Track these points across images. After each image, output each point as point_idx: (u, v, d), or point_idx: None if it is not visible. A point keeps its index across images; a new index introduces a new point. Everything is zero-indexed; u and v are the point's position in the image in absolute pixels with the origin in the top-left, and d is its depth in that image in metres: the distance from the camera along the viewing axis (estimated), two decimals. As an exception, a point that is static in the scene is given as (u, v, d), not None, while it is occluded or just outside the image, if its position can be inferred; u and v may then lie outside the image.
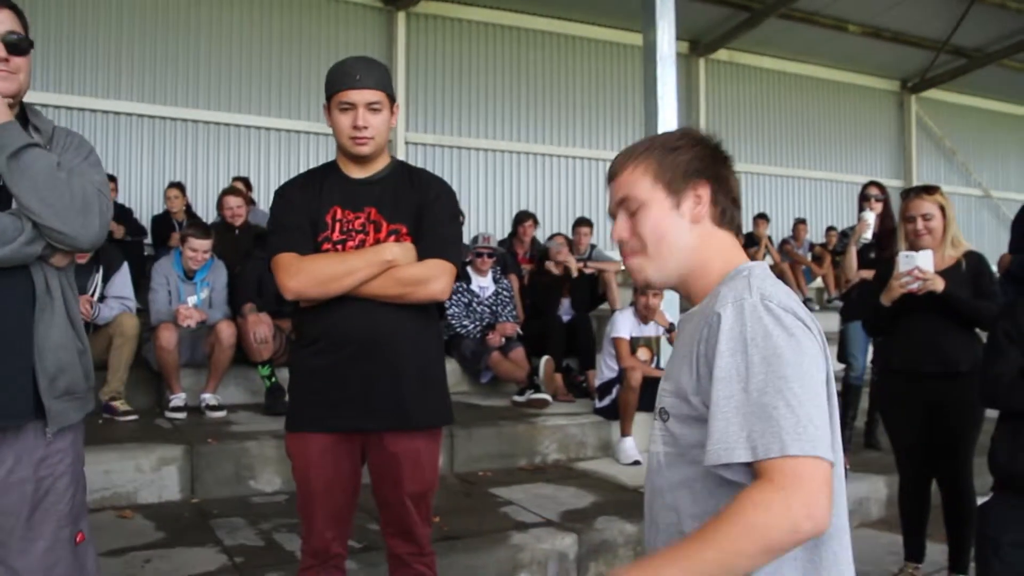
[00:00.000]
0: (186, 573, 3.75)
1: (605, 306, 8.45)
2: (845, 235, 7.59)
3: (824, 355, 1.49)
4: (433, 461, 2.75)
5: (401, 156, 9.57)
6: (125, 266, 5.97)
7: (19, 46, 2.18)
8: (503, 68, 11.59)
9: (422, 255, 2.59)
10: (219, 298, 6.18)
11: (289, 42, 10.31)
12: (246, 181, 9.00)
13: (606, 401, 6.17)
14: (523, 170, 11.74)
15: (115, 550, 3.91)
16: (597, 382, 6.38)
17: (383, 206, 2.63)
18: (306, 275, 2.53)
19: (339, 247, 2.60)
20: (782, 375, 1.37)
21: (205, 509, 4.65)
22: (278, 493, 4.95)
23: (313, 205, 2.63)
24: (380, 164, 2.70)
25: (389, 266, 2.53)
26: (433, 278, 2.58)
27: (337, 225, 2.61)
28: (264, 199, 9.21)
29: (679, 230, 1.61)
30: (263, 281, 6.14)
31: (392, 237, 2.60)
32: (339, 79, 2.61)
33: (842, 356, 6.46)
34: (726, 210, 1.64)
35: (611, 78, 12.21)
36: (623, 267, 6.84)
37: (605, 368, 6.33)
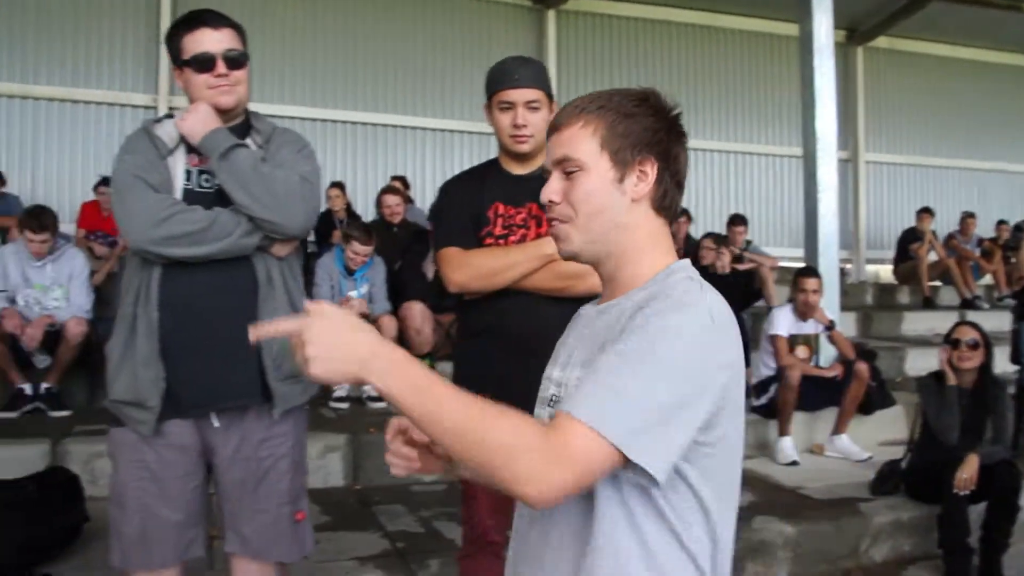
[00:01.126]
0: (352, 555, 3.92)
1: (760, 303, 8.28)
2: (1020, 229, 7.19)
3: (739, 384, 1.41)
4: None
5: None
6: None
7: (238, 61, 2.37)
8: (653, 63, 11.51)
9: None
10: (379, 293, 6.38)
11: (442, 44, 10.56)
12: (404, 180, 9.25)
13: (763, 400, 6.06)
14: (676, 166, 11.58)
15: (286, 531, 4.10)
16: (754, 380, 6.27)
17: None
18: (470, 269, 2.61)
19: (501, 242, 2.66)
20: (658, 358, 1.27)
21: (367, 496, 4.83)
22: (437, 483, 5.07)
23: (476, 201, 2.70)
24: (541, 160, 2.73)
25: (550, 260, 2.56)
26: (593, 272, 2.59)
27: (499, 220, 2.67)
28: (420, 197, 9.46)
29: (617, 206, 1.45)
30: (422, 276, 6.33)
31: (553, 232, 2.64)
32: (498, 79, 2.67)
33: (1015, 357, 6.10)
34: (668, 193, 1.50)
35: (764, 70, 11.93)
36: (779, 263, 6.67)
37: (762, 366, 6.22)
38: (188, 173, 2.39)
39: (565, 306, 2.63)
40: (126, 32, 9.47)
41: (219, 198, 2.36)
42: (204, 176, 2.39)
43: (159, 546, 2.37)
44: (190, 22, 2.37)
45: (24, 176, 9.06)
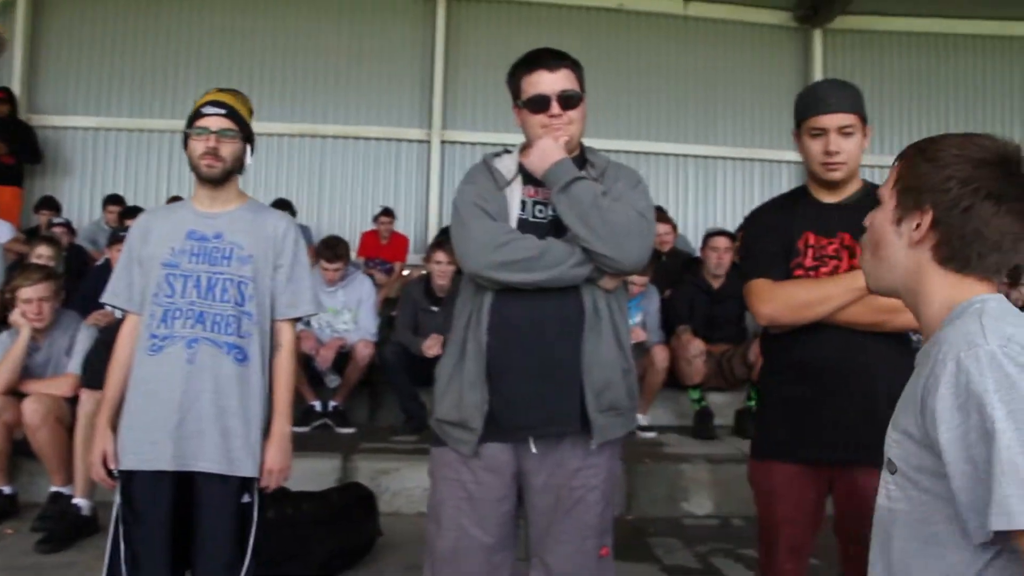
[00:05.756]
0: (630, 588, 3.88)
1: None
2: None
3: None
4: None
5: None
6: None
7: (572, 100, 2.45)
8: (930, 78, 10.70)
9: None
10: (652, 322, 6.36)
11: (703, 68, 10.38)
12: (661, 210, 9.17)
13: None
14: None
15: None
16: None
17: (856, 231, 2.52)
18: (780, 301, 2.52)
19: (812, 273, 2.55)
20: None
21: (640, 526, 4.79)
22: (710, 517, 4.98)
23: (785, 231, 2.61)
24: (852, 188, 2.61)
25: (865, 293, 2.43)
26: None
27: (810, 251, 2.57)
28: (683, 225, 9.33)
29: (895, 246, 1.47)
30: (694, 306, 6.25)
31: (867, 263, 2.50)
32: (810, 104, 2.57)
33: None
34: (960, 252, 1.40)
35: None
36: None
37: None
38: (523, 203, 2.47)
39: (879, 341, 2.51)
40: (403, 73, 10.04)
41: (552, 228, 2.42)
42: (538, 207, 2.46)
43: (468, 565, 2.42)
44: (528, 64, 2.45)
45: (312, 207, 9.80)
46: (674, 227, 7.89)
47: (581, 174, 2.39)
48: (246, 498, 2.73)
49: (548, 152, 2.40)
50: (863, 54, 10.66)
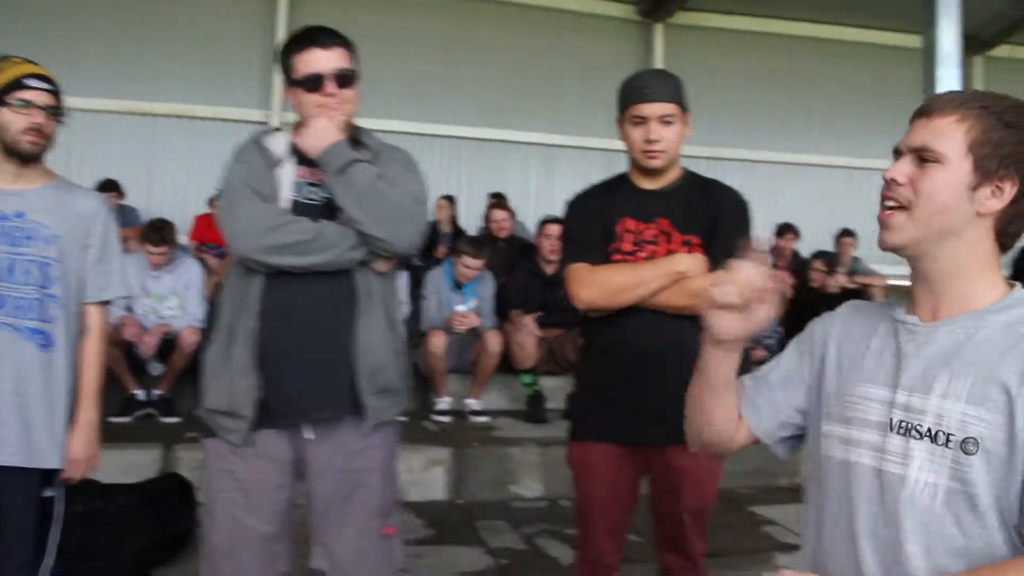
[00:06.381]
0: (455, 570, 3.89)
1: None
2: None
3: None
4: (715, 476, 2.69)
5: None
6: (404, 274, 6.35)
7: (348, 79, 2.38)
8: (762, 77, 11.21)
9: (713, 266, 2.53)
10: (487, 307, 6.38)
11: (547, 58, 10.49)
12: (501, 196, 9.24)
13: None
14: (782, 181, 11.30)
15: (391, 544, 4.11)
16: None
17: (674, 217, 2.60)
18: (598, 285, 2.54)
19: (630, 258, 2.59)
20: None
21: (469, 510, 4.82)
22: (539, 499, 5.05)
23: (605, 216, 2.64)
24: (672, 176, 2.67)
25: (680, 277, 2.50)
26: None
27: (628, 236, 2.60)
28: (522, 212, 9.42)
29: (961, 213, 1.37)
30: (528, 291, 6.32)
31: (684, 248, 2.57)
32: (631, 93, 2.61)
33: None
34: (1016, 220, 1.39)
35: (877, 83, 11.52)
36: (889, 282, 6.39)
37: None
38: (296, 184, 2.40)
39: (693, 324, 2.57)
40: (241, 51, 9.70)
41: (325, 210, 2.37)
42: (312, 188, 2.40)
43: (245, 558, 2.37)
44: (301, 42, 2.38)
45: (142, 189, 9.33)
46: (512, 214, 7.95)
47: (357, 157, 2.35)
48: (48, 492, 2.59)
49: (323, 133, 2.34)
50: (702, 49, 11.01)
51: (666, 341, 2.53)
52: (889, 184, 1.42)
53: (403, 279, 6.35)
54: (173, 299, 6.02)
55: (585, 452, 2.67)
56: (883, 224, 1.43)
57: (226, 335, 2.35)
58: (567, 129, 10.44)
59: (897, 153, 1.44)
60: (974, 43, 11.67)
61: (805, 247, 9.33)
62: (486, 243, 6.75)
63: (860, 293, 7.96)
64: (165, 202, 9.32)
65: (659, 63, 10.63)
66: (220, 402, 2.35)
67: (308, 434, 2.37)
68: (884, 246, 1.45)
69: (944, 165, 1.37)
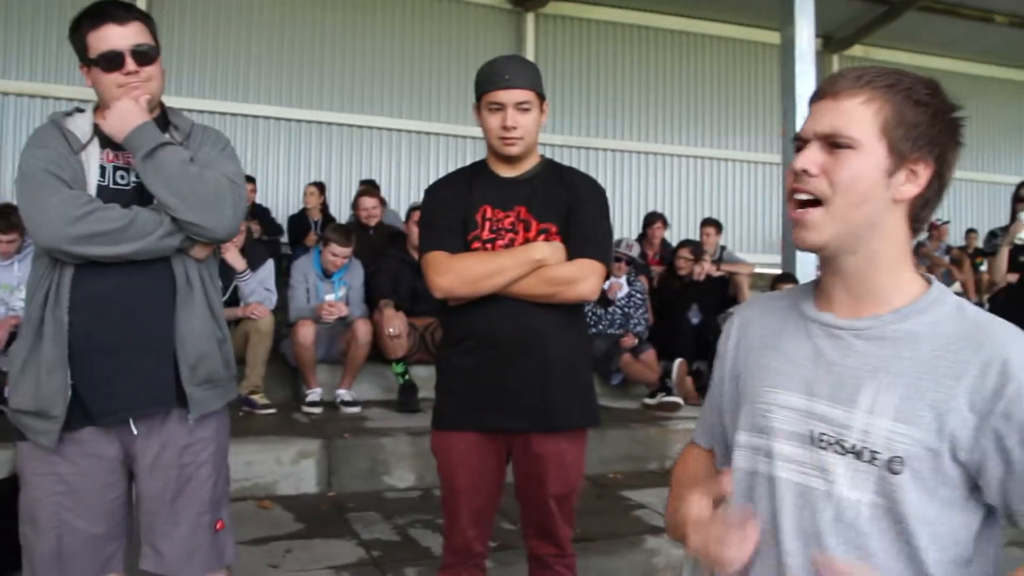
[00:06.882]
0: (326, 564, 3.82)
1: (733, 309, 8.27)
2: (995, 235, 7.11)
3: None
4: (578, 463, 2.71)
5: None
6: (271, 263, 6.24)
7: (148, 56, 2.24)
8: (631, 68, 11.51)
9: (572, 254, 2.56)
10: (356, 296, 6.31)
11: (419, 45, 10.47)
12: (373, 184, 9.16)
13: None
14: (651, 171, 11.60)
15: (258, 539, 4.02)
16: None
17: (533, 205, 2.60)
18: (456, 274, 2.53)
19: (489, 246, 2.58)
20: None
21: (341, 502, 4.74)
22: (412, 489, 5.01)
23: (463, 204, 2.63)
24: (530, 163, 2.68)
25: (538, 265, 2.51)
26: (582, 278, 2.54)
27: (487, 224, 2.60)
28: (395, 200, 9.37)
29: (878, 201, 1.28)
30: (398, 279, 6.27)
31: (542, 236, 2.57)
32: (488, 79, 2.59)
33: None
34: (928, 204, 1.32)
35: (741, 77, 11.96)
36: (755, 270, 6.60)
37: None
38: (103, 169, 2.27)
39: (552, 312, 2.60)
40: (50, 20, 9.09)
41: (136, 196, 2.25)
42: (120, 172, 2.28)
43: (76, 562, 2.25)
44: (94, 17, 2.22)
45: (-10, 173, 8.88)
46: (382, 201, 7.87)
47: (166, 139, 2.25)
48: None
49: (128, 115, 2.21)
50: (572, 40, 11.20)
51: (526, 329, 2.54)
52: (799, 176, 1.31)
53: (270, 267, 6.22)
54: (23, 290, 5.72)
55: (448, 441, 2.66)
56: (798, 223, 1.32)
57: (33, 331, 2.21)
58: (439, 116, 10.42)
59: (800, 141, 1.33)
60: (831, 42, 12.29)
61: (672, 236, 9.58)
62: (354, 231, 6.65)
63: (726, 281, 8.20)
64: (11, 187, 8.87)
65: (530, 52, 10.73)
66: (28, 403, 2.20)
67: (134, 430, 2.27)
68: (803, 246, 1.33)
69: (858, 151, 1.27)
